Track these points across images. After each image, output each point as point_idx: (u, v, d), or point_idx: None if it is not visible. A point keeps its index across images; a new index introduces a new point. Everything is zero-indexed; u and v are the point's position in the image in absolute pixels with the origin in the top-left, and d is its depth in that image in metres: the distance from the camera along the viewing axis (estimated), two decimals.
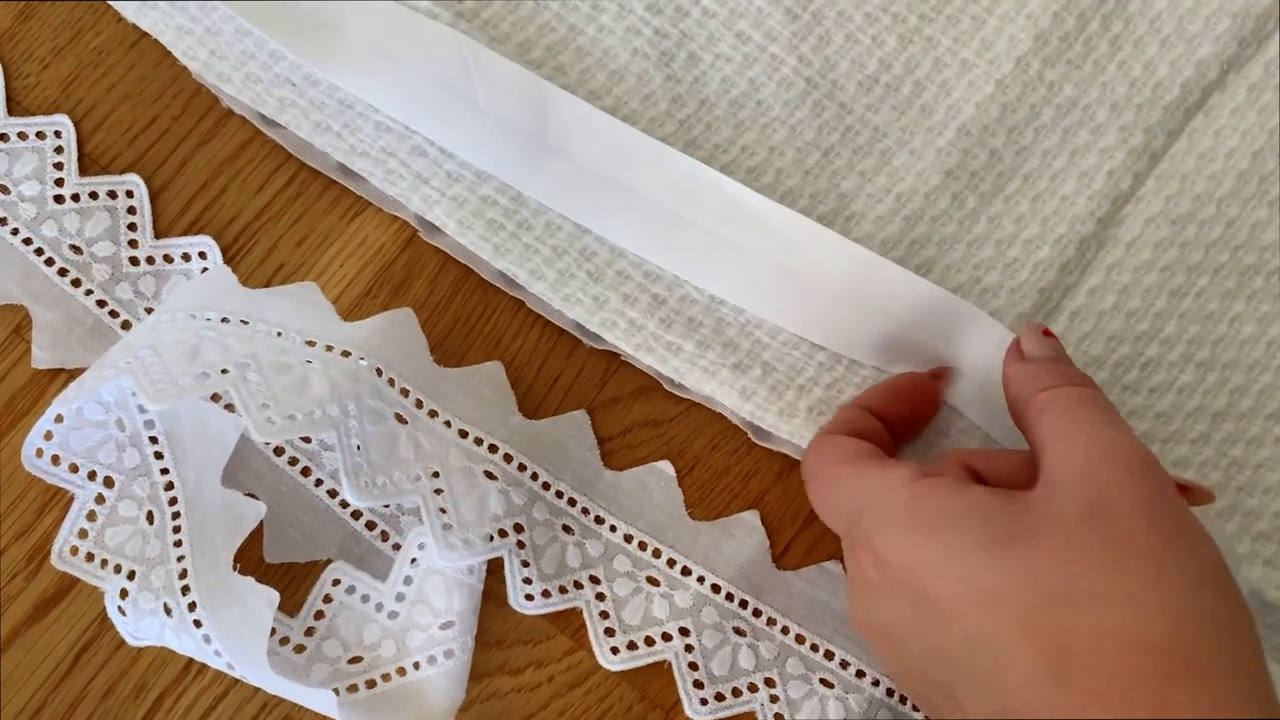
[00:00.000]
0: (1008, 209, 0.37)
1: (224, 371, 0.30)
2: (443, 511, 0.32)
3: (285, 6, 0.36)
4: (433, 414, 0.34)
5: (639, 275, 0.35)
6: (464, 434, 0.34)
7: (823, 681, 0.34)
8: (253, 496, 0.34)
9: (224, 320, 0.32)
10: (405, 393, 0.33)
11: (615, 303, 0.35)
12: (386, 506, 0.34)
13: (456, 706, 0.33)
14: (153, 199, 0.36)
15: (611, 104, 0.37)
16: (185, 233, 0.36)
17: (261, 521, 0.33)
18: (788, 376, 0.34)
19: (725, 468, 0.36)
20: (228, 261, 0.36)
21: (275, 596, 0.31)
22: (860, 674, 0.34)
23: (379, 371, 0.33)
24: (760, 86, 0.38)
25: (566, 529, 0.35)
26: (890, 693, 0.34)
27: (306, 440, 0.35)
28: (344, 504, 0.35)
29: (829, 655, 0.35)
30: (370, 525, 0.35)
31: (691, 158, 0.35)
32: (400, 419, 0.33)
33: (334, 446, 0.32)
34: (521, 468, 0.35)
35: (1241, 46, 0.38)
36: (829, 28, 0.38)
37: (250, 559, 0.34)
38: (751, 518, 0.35)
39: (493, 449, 0.34)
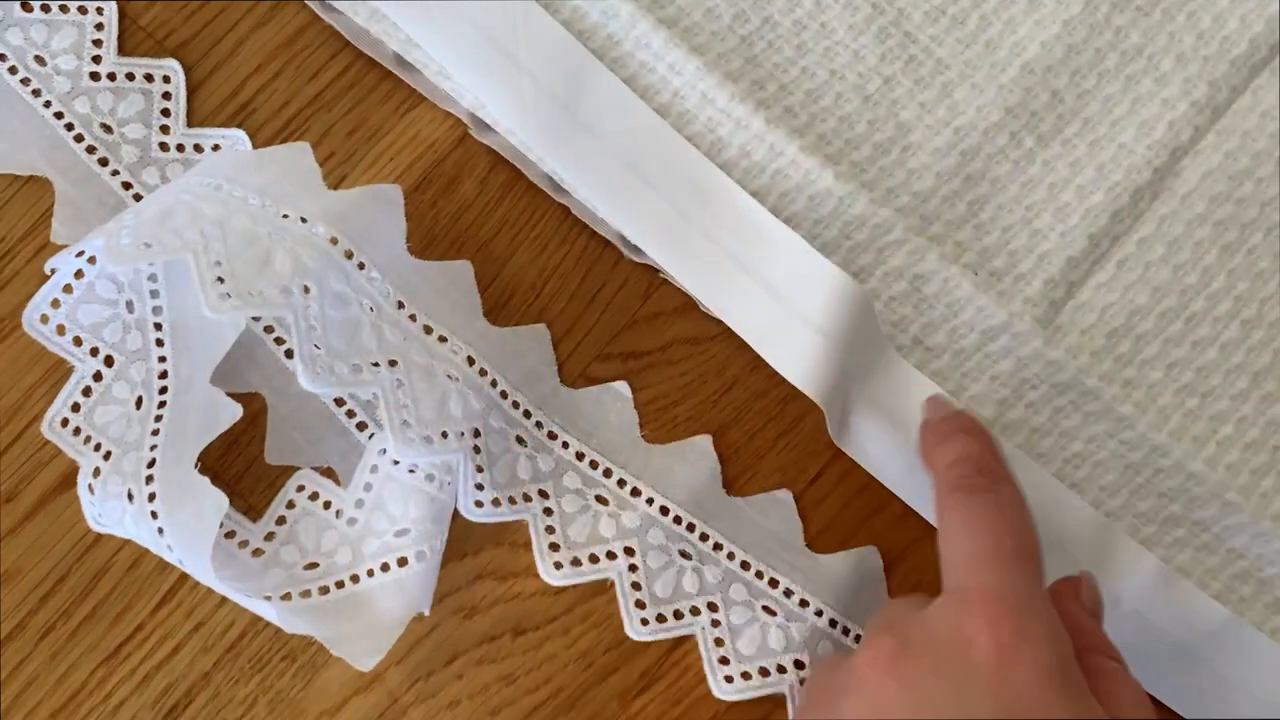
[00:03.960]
0: (1065, 152, 0.37)
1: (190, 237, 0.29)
2: (403, 407, 0.31)
3: None
4: (400, 304, 0.33)
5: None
6: (429, 330, 0.33)
7: (765, 609, 0.34)
8: (260, 396, 0.34)
9: (204, 184, 0.31)
10: (374, 278, 0.32)
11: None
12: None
13: (410, 615, 0.32)
14: (204, 77, 0.36)
15: (674, 14, 0.36)
16: (236, 113, 0.36)
17: (266, 422, 0.33)
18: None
19: (764, 390, 0.36)
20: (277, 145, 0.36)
21: (224, 501, 0.30)
22: (804, 603, 0.34)
23: (349, 254, 0.31)
24: (826, 8, 0.37)
25: (520, 440, 0.34)
26: (833, 623, 0.34)
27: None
28: (350, 414, 0.34)
29: (774, 583, 0.35)
30: (361, 425, 0.34)
31: (709, 161, 0.35)
32: (363, 306, 0.32)
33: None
34: (483, 373, 0.34)
35: None
36: None
37: (251, 457, 0.34)
38: (704, 443, 0.35)
39: (455, 350, 0.34)
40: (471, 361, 0.34)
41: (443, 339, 0.33)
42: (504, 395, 0.34)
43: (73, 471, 0.34)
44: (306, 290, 0.30)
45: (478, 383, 0.34)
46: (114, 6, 0.36)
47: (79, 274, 0.33)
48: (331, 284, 0.31)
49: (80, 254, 0.32)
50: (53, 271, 0.32)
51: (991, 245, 0.36)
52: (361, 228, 0.32)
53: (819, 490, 0.36)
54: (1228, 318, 0.36)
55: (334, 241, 0.31)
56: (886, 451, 0.35)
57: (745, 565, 0.35)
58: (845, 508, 0.36)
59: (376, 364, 0.31)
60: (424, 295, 0.34)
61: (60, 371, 0.34)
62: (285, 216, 0.31)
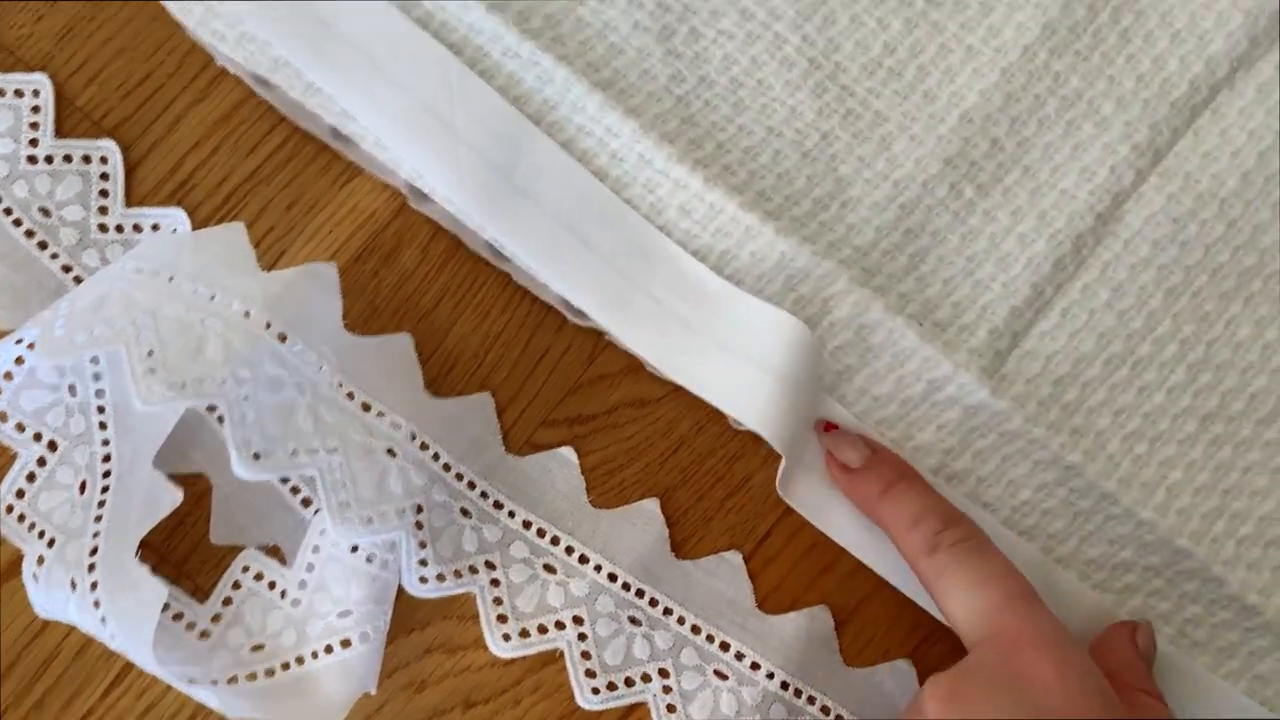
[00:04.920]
0: (1005, 200, 0.37)
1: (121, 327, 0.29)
2: (341, 487, 0.31)
3: None
4: (338, 384, 0.33)
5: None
6: (367, 407, 0.33)
7: (717, 673, 0.34)
8: (204, 476, 0.34)
9: (138, 271, 0.31)
10: (307, 358, 0.32)
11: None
12: None
13: (356, 696, 0.32)
14: (142, 156, 0.36)
15: (609, 76, 0.36)
16: (176, 190, 0.36)
17: (211, 502, 0.33)
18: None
19: (710, 450, 0.36)
20: (217, 222, 0.36)
21: (164, 591, 0.30)
22: (755, 666, 0.34)
23: (283, 337, 0.31)
24: (761, 65, 0.37)
25: (465, 512, 0.34)
26: (784, 685, 0.34)
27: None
28: (294, 490, 0.34)
29: (724, 646, 0.35)
30: (306, 501, 0.34)
31: (649, 223, 0.35)
32: (299, 389, 0.32)
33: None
34: (424, 446, 0.34)
35: (1253, 45, 0.38)
36: (834, 8, 0.37)
37: (198, 536, 0.34)
38: (652, 506, 0.35)
39: (395, 425, 0.34)
40: (413, 436, 0.34)
41: (381, 414, 0.33)
42: (447, 468, 0.34)
43: (18, 558, 0.34)
44: (239, 378, 0.30)
45: (419, 457, 0.34)
46: (50, 88, 0.36)
47: (19, 360, 0.33)
48: (266, 369, 0.31)
49: (19, 341, 0.32)
50: None
51: (934, 297, 0.36)
52: (296, 309, 0.32)
53: (768, 550, 0.36)
54: (1174, 362, 0.36)
55: (268, 325, 0.31)
56: (835, 507, 0.35)
57: (696, 629, 0.35)
58: (795, 567, 0.36)
59: (314, 447, 0.31)
60: (363, 371, 0.34)
61: (4, 457, 0.34)
62: (217, 301, 0.31)
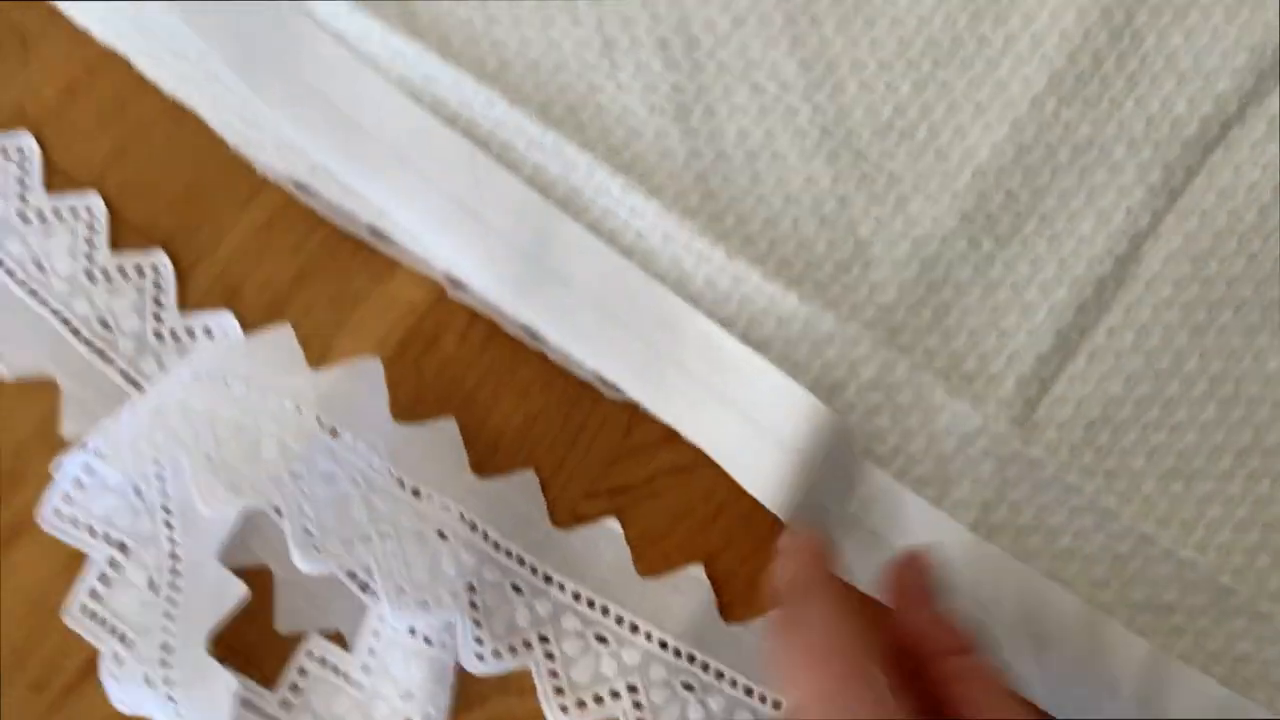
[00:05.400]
0: (1025, 250, 0.38)
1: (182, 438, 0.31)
2: (396, 573, 0.33)
3: (316, 101, 0.37)
4: (388, 471, 0.35)
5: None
6: (417, 493, 0.35)
7: None
8: (265, 568, 0.35)
9: (195, 378, 0.33)
10: (359, 451, 0.34)
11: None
12: None
13: None
14: (192, 264, 0.38)
15: (630, 159, 0.38)
16: (225, 294, 0.38)
17: (274, 591, 0.34)
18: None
19: (751, 513, 0.37)
20: (265, 323, 0.37)
21: (234, 685, 0.32)
22: None
23: (334, 432, 0.33)
24: (776, 136, 0.38)
25: (516, 588, 0.36)
26: None
27: None
28: (352, 575, 0.35)
29: (777, 705, 0.35)
30: (364, 586, 0.35)
31: (679, 297, 0.36)
32: (353, 481, 0.34)
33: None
34: (474, 526, 0.35)
35: (1260, 80, 0.38)
36: (843, 76, 0.39)
37: (264, 625, 0.35)
38: (698, 572, 0.36)
39: (445, 508, 0.35)
40: (462, 517, 0.35)
41: (431, 498, 0.35)
42: (496, 546, 0.36)
43: (97, 657, 0.35)
44: (295, 475, 0.32)
45: (469, 537, 0.35)
46: (103, 206, 0.38)
47: (88, 468, 0.34)
48: (319, 464, 0.33)
49: (87, 450, 0.34)
50: (59, 467, 0.34)
51: (960, 349, 0.37)
52: (345, 404, 0.34)
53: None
54: (1204, 399, 0.37)
55: (319, 422, 0.33)
56: (873, 568, 0.35)
57: (749, 691, 0.35)
58: None
59: (368, 535, 0.33)
60: (411, 458, 0.35)
61: (78, 561, 0.36)
62: (270, 401, 0.32)
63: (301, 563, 0.31)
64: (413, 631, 0.34)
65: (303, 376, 0.34)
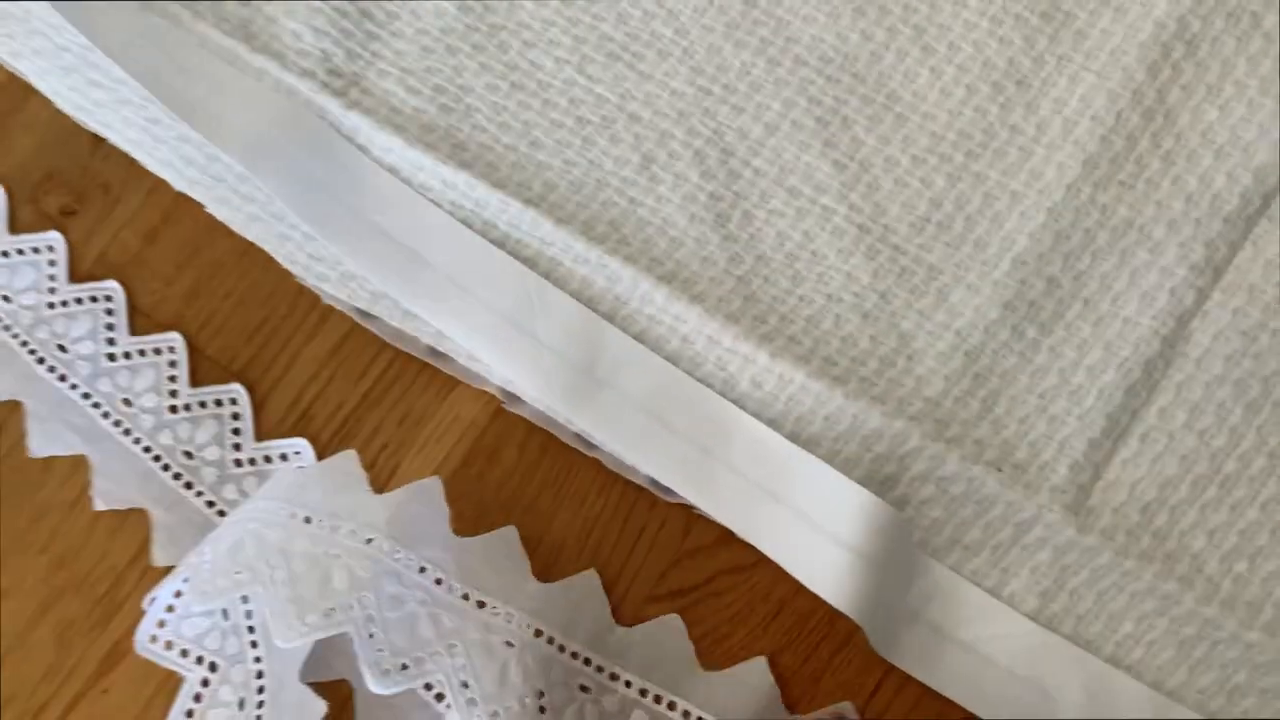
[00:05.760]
0: (1069, 336, 0.38)
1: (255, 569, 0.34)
2: (465, 686, 0.34)
3: (374, 234, 0.39)
4: (451, 587, 0.36)
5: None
6: (481, 605, 0.36)
7: None
8: (345, 682, 0.37)
9: (268, 510, 0.35)
10: (423, 570, 0.35)
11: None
12: None
13: None
14: (267, 392, 0.40)
15: (672, 268, 0.39)
16: (297, 422, 0.40)
17: (354, 706, 0.36)
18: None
19: (811, 609, 0.37)
20: (338, 446, 0.39)
21: None
22: None
23: (399, 554, 0.35)
24: (814, 237, 0.39)
25: (584, 688, 0.37)
26: None
27: None
28: (428, 686, 0.37)
29: None
30: (439, 697, 0.36)
31: (726, 400, 0.37)
32: (420, 601, 0.35)
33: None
34: (538, 632, 0.36)
35: None
36: (877, 174, 0.40)
37: None
38: (761, 664, 0.37)
39: (509, 618, 0.36)
40: (527, 625, 0.36)
41: (496, 610, 0.36)
42: (562, 649, 0.37)
43: None
44: (364, 601, 0.34)
45: (535, 643, 0.36)
46: (183, 344, 0.40)
47: (178, 593, 0.37)
48: (386, 588, 0.34)
49: (175, 578, 0.36)
50: (153, 600, 0.36)
51: (1010, 438, 0.37)
52: (408, 526, 0.35)
53: (879, 703, 0.37)
54: (1264, 475, 0.36)
55: (385, 547, 0.34)
56: (936, 660, 0.36)
57: None
58: (907, 717, 0.36)
59: (438, 651, 0.34)
60: (474, 570, 0.37)
61: (173, 682, 0.38)
62: (340, 532, 0.34)
63: (375, 686, 0.33)
64: None
65: (367, 500, 0.36)
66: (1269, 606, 0.35)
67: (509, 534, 0.38)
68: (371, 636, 0.33)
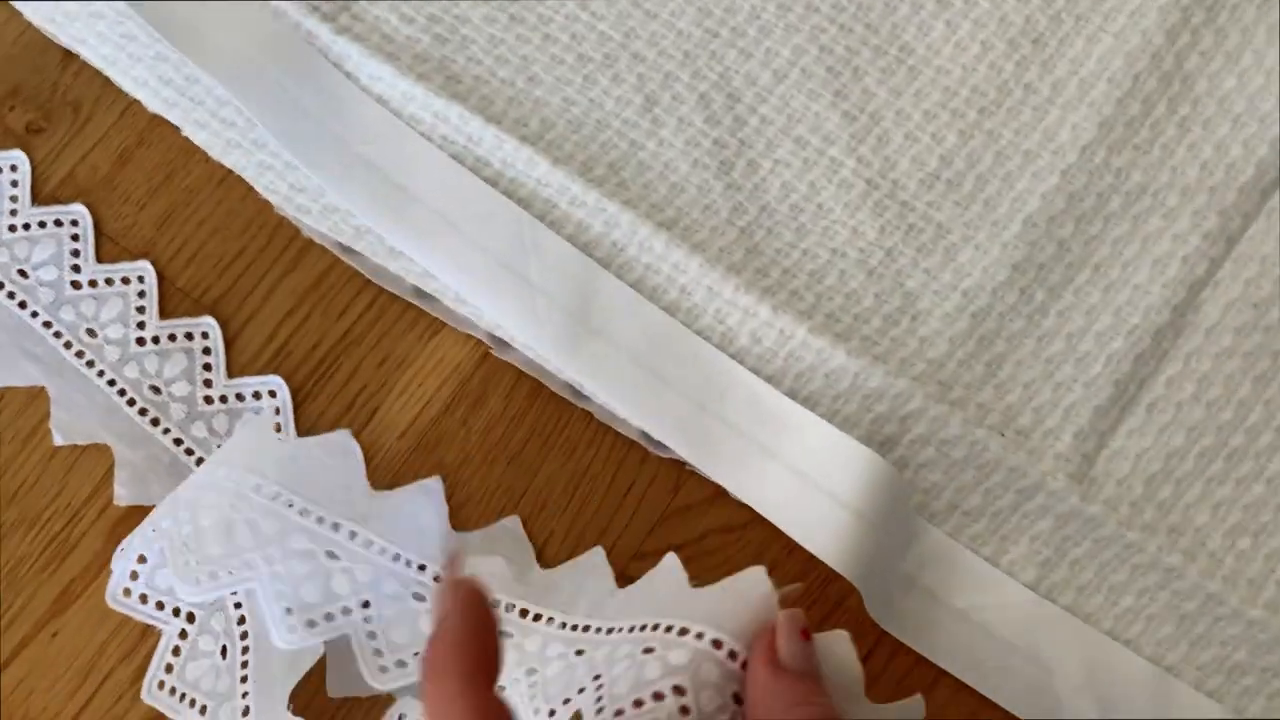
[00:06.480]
0: (1078, 301, 0.37)
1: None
2: None
3: (361, 166, 0.37)
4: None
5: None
6: None
7: None
8: None
9: (262, 491, 0.33)
10: (423, 568, 0.33)
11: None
12: None
13: None
14: (240, 327, 0.38)
15: (673, 215, 0.37)
16: (274, 357, 0.38)
17: (324, 656, 0.34)
18: None
19: (802, 573, 0.36)
20: (315, 386, 0.38)
21: None
22: None
23: (398, 557, 0.33)
24: (820, 189, 0.38)
25: (579, 652, 0.35)
26: None
27: None
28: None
29: None
30: None
31: (724, 353, 0.36)
32: (418, 596, 0.33)
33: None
34: (538, 618, 0.35)
35: None
36: (887, 127, 0.38)
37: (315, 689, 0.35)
38: (759, 573, 0.32)
39: (509, 608, 0.34)
40: (525, 613, 0.34)
41: (499, 604, 0.34)
42: (563, 626, 0.35)
43: (154, 718, 0.35)
44: (364, 604, 0.32)
45: (533, 629, 0.34)
46: (153, 273, 0.38)
47: (149, 545, 0.34)
48: (385, 589, 0.33)
49: (146, 539, 0.34)
50: (122, 550, 0.34)
51: (1015, 403, 0.36)
52: (407, 527, 0.34)
53: (870, 670, 0.35)
54: (1270, 450, 0.36)
55: (383, 550, 0.33)
56: (931, 627, 0.35)
57: None
58: (899, 685, 0.35)
59: None
60: (472, 565, 0.35)
61: (128, 626, 0.36)
62: (340, 534, 0.32)
63: (378, 683, 0.32)
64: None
65: (366, 501, 0.34)
66: (1271, 584, 0.34)
67: (512, 524, 0.36)
68: (371, 636, 0.32)
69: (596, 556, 0.36)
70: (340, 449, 0.34)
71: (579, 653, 0.33)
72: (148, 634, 0.36)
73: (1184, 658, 0.34)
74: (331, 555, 0.32)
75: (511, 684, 0.34)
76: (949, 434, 0.35)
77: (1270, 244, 0.37)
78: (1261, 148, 0.37)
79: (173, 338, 0.38)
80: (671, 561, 0.32)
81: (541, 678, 0.34)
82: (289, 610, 0.31)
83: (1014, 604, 0.35)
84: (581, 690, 0.31)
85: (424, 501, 0.35)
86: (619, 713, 0.29)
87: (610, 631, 0.33)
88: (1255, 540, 0.35)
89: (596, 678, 0.32)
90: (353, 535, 0.33)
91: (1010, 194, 0.38)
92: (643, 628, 0.32)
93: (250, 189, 0.39)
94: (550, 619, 0.34)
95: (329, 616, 0.31)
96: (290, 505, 0.32)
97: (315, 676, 0.35)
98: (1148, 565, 0.35)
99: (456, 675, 0.24)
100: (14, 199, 0.39)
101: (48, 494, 0.37)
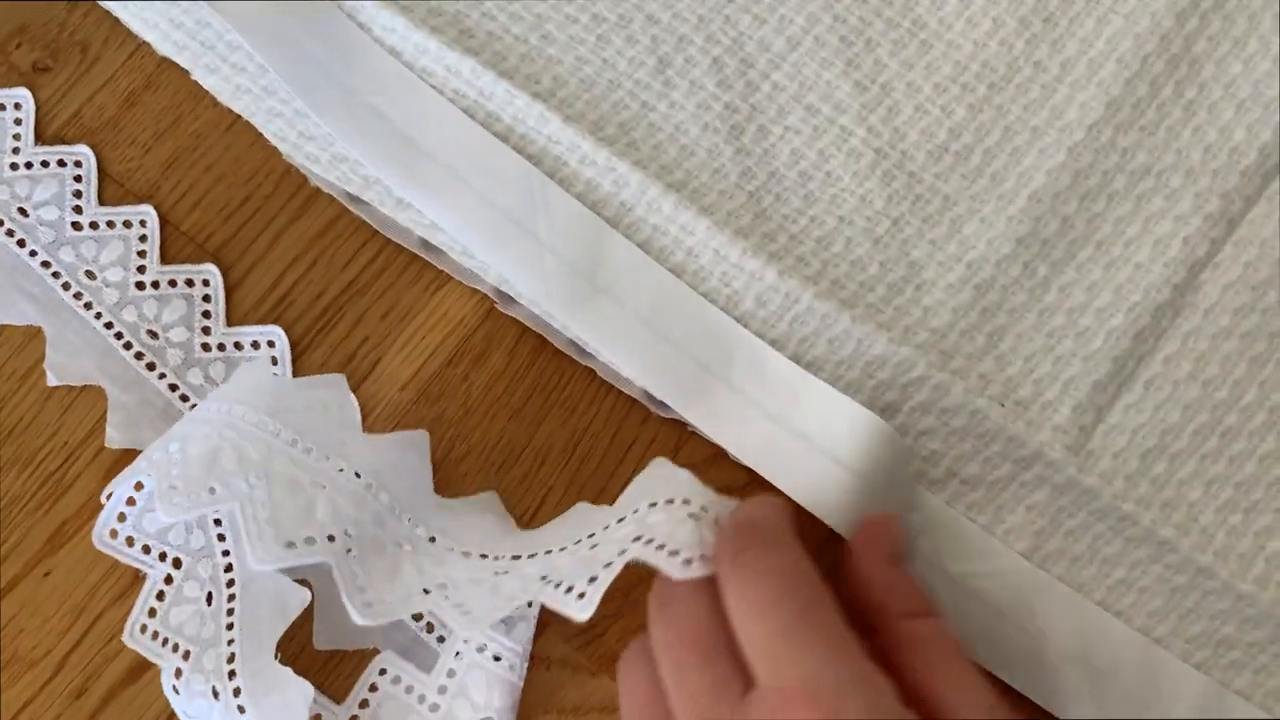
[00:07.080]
0: (1080, 277, 0.37)
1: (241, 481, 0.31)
2: (461, 612, 0.31)
3: (371, 116, 0.37)
4: (433, 539, 0.34)
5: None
6: (468, 554, 0.34)
7: None
8: (305, 583, 0.35)
9: (245, 419, 0.33)
10: (406, 522, 0.33)
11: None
12: None
13: None
14: (243, 275, 0.38)
15: (682, 177, 0.38)
16: (276, 306, 0.38)
17: (311, 607, 0.34)
18: None
19: (801, 534, 0.36)
20: (316, 337, 0.37)
21: (310, 690, 0.32)
22: None
23: (382, 498, 0.33)
24: (829, 157, 0.38)
25: (581, 595, 0.35)
26: None
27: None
28: (416, 616, 0.35)
29: None
30: (417, 616, 0.35)
31: (729, 316, 0.36)
32: (400, 545, 0.33)
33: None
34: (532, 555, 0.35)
35: None
36: (898, 99, 0.38)
37: (302, 642, 0.35)
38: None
39: (497, 558, 0.34)
40: (515, 556, 0.35)
41: (484, 556, 0.34)
42: (557, 585, 0.35)
43: (139, 664, 0.35)
44: (348, 534, 0.32)
45: (526, 570, 0.34)
46: (155, 218, 0.38)
47: (139, 485, 0.34)
48: (369, 528, 0.32)
49: (135, 473, 0.33)
50: (110, 493, 0.34)
51: (1015, 375, 0.36)
52: (393, 472, 0.34)
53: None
54: (1264, 430, 0.36)
55: (369, 487, 0.33)
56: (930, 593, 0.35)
57: None
58: None
59: (427, 590, 0.32)
60: (457, 529, 0.35)
61: (121, 568, 0.35)
62: (330, 462, 0.32)
63: (361, 620, 0.31)
64: (498, 658, 0.33)
65: (355, 442, 0.34)
66: (1261, 560, 0.35)
67: (490, 498, 0.36)
68: (354, 572, 0.31)
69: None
70: (334, 389, 0.34)
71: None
72: (141, 578, 0.35)
73: (1173, 630, 0.35)
74: (317, 485, 0.32)
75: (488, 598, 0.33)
76: (949, 403, 0.36)
77: (1270, 228, 0.37)
78: (1265, 133, 0.38)
79: (173, 283, 0.38)
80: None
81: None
82: (267, 526, 0.31)
83: (1008, 572, 0.35)
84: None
85: (411, 454, 0.34)
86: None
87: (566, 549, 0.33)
88: (1246, 517, 0.35)
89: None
90: (340, 470, 0.32)
91: (1017, 169, 0.38)
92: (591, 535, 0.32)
93: (258, 135, 0.39)
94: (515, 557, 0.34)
95: (310, 540, 0.31)
96: (278, 435, 0.32)
97: (303, 630, 0.35)
98: (1141, 538, 0.35)
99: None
100: (17, 137, 0.39)
101: (43, 433, 0.37)
